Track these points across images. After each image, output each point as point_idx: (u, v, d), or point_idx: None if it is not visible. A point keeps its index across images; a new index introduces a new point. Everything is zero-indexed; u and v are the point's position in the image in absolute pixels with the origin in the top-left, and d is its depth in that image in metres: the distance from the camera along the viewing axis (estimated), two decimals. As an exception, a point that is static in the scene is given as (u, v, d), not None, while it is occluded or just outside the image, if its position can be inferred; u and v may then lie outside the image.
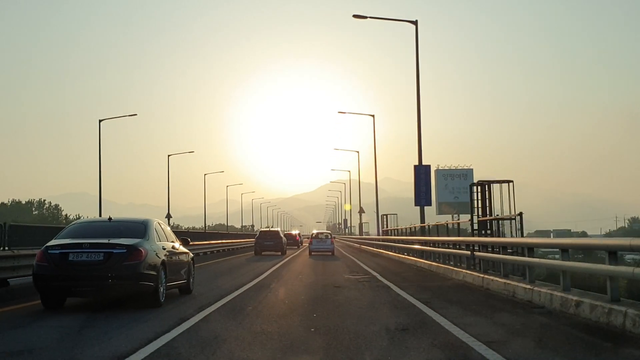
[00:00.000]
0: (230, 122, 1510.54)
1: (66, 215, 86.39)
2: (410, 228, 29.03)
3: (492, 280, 12.85)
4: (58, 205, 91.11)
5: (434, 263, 19.90)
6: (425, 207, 28.60)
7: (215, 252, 35.27)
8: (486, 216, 16.19)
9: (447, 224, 21.76)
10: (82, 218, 53.47)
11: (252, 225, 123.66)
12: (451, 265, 17.50)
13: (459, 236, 19.09)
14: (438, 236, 21.44)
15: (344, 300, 11.62)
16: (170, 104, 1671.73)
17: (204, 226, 75.51)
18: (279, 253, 36.31)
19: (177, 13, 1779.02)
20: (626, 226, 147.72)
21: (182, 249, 12.68)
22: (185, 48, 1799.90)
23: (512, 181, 15.75)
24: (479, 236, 15.93)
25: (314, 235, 37.97)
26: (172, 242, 12.17)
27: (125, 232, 10.78)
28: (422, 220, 27.86)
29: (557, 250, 10.56)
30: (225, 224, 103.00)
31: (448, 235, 20.22)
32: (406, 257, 25.81)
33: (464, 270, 15.53)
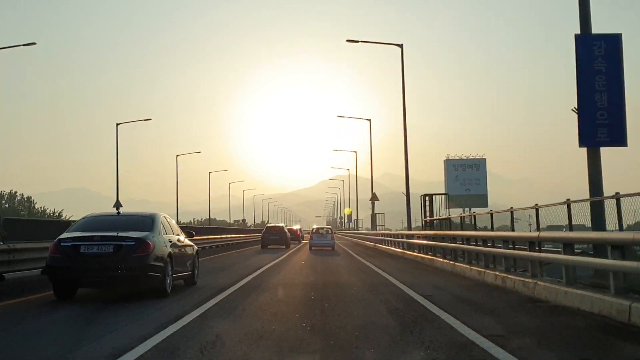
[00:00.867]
0: (230, 120, 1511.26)
1: (41, 208, 77.50)
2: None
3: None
4: (31, 197, 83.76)
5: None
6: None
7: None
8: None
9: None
10: (55, 213, 50.90)
11: (244, 220, 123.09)
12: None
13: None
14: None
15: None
16: (170, 103, 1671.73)
17: (194, 221, 76.11)
18: (284, 246, 38.14)
19: (177, 13, 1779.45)
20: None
21: (187, 241, 13.18)
22: (185, 48, 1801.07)
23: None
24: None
25: (314, 230, 38.11)
26: (178, 235, 12.66)
27: (133, 226, 11.26)
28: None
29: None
30: (214, 218, 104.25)
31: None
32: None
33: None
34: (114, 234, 10.75)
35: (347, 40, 33.01)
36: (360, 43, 33.15)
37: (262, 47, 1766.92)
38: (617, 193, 9.32)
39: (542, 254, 11.27)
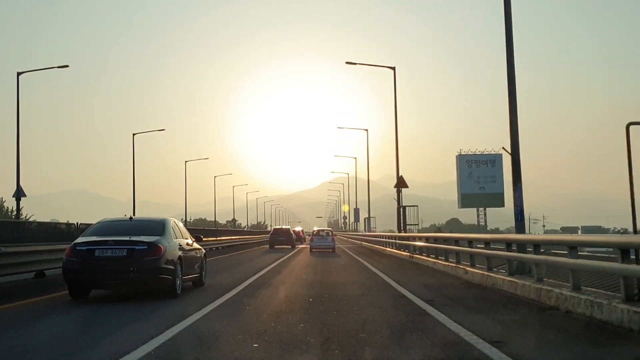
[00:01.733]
0: (232, 123, 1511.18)
1: (8, 209, 68.55)
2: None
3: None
4: (2, 198, 78.76)
5: None
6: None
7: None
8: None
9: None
10: (27, 216, 45.44)
11: (234, 220, 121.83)
12: None
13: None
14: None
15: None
16: (170, 103, 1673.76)
17: (185, 222, 76.51)
18: (289, 246, 41.71)
19: (177, 13, 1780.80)
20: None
21: (196, 245, 13.76)
22: (185, 48, 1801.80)
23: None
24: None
25: (314, 233, 38.15)
26: (187, 239, 13.22)
27: (145, 230, 11.84)
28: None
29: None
30: (204, 219, 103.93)
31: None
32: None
33: None
34: (127, 238, 11.30)
35: (347, 63, 36.98)
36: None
37: (263, 49, 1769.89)
38: None
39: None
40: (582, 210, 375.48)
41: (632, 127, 16.87)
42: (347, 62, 36.86)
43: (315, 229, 41.38)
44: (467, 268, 15.28)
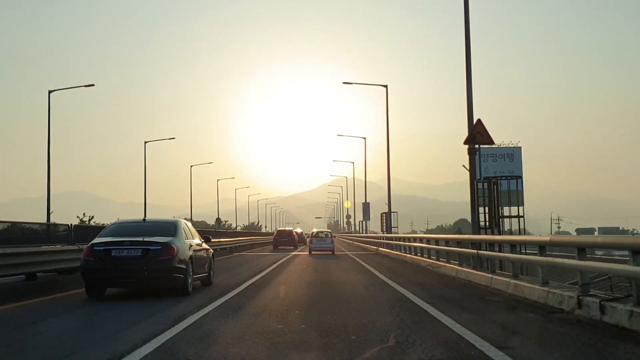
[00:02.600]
0: (233, 126, 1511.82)
1: None
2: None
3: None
4: None
5: None
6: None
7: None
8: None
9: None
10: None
11: (219, 219, 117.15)
12: None
13: None
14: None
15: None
16: (169, 102, 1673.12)
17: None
18: (292, 247, 44.29)
19: (177, 14, 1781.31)
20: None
21: (205, 245, 14.37)
22: (185, 48, 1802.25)
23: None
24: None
25: (314, 234, 37.45)
26: (197, 239, 13.83)
27: (158, 231, 12.43)
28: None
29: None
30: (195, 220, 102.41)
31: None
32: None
33: None
34: (142, 239, 11.88)
35: (344, 82, 41.25)
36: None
37: (259, 47, 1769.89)
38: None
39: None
40: (598, 213, 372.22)
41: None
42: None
43: (315, 230, 40.84)
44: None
